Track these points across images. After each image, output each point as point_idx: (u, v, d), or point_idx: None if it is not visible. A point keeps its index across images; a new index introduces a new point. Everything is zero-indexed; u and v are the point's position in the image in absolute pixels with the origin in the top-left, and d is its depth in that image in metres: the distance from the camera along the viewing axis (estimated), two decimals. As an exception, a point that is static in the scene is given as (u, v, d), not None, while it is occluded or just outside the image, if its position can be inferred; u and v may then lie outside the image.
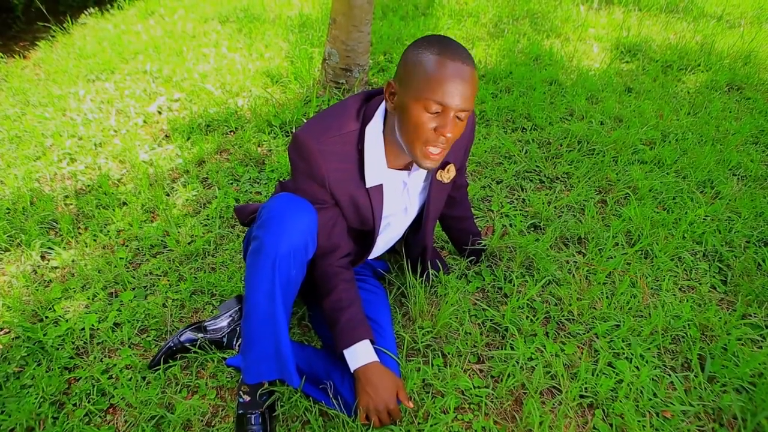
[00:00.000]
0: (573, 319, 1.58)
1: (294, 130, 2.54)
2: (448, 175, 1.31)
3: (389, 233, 1.41)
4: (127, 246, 1.86)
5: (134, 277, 1.71)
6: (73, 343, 1.49)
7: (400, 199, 1.30)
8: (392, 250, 1.66)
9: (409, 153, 1.11)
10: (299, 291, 1.28)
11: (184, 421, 1.28)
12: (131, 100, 2.88)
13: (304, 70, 3.03)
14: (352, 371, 1.20)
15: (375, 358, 1.20)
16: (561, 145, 2.50)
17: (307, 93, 2.85)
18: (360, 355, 1.20)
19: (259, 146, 2.46)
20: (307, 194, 1.17)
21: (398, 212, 1.33)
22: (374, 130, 1.16)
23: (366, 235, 1.35)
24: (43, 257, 1.81)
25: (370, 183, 1.19)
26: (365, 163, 1.17)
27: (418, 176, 1.29)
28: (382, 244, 1.44)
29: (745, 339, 1.55)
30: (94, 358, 1.44)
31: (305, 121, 2.59)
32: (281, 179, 1.73)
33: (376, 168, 1.18)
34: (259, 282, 1.11)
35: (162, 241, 1.87)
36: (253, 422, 1.22)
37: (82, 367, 1.42)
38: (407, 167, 1.25)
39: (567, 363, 1.44)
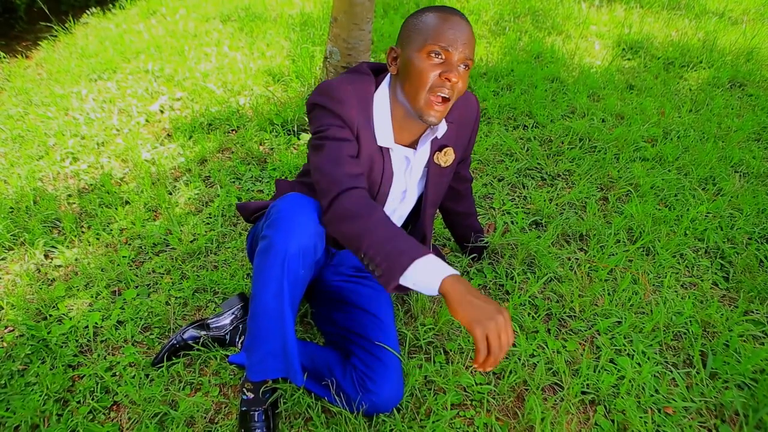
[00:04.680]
0: (574, 316, 1.59)
1: (296, 129, 2.56)
2: (445, 158, 1.30)
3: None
4: (129, 244, 1.87)
5: (137, 276, 1.72)
6: (76, 341, 1.50)
7: (401, 179, 1.30)
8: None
9: (412, 108, 1.12)
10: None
11: (188, 418, 1.29)
12: (133, 99, 2.89)
13: (306, 68, 3.03)
14: (436, 287, 0.97)
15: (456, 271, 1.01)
16: (562, 143, 2.50)
17: (308, 92, 2.86)
18: (439, 265, 0.99)
19: (260, 145, 2.47)
20: (333, 126, 1.13)
21: (397, 195, 1.33)
22: (382, 99, 1.18)
23: None
24: (46, 256, 1.82)
25: (380, 143, 1.20)
26: (375, 126, 1.18)
27: (422, 156, 1.29)
28: None
29: (747, 335, 1.55)
30: (98, 355, 1.45)
31: (307, 119, 2.59)
32: (280, 178, 1.74)
33: (385, 135, 1.19)
34: (268, 281, 1.11)
35: (164, 239, 1.88)
36: (256, 419, 1.22)
37: (86, 365, 1.43)
38: (412, 145, 1.25)
39: (569, 359, 1.45)
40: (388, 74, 1.20)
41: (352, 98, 1.13)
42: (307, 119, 2.54)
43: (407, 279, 0.99)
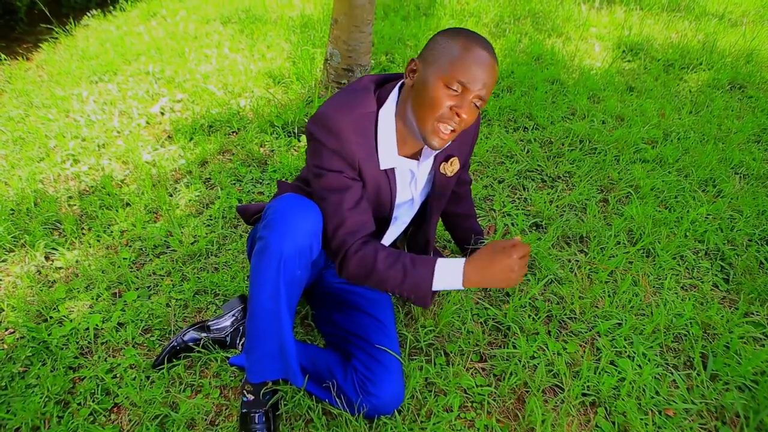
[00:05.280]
0: (575, 318, 1.59)
1: (296, 131, 2.56)
2: (451, 168, 1.31)
3: (396, 228, 1.41)
4: (130, 246, 1.87)
5: (138, 278, 1.72)
6: (77, 342, 1.50)
7: (407, 189, 1.30)
8: (394, 247, 1.66)
9: (418, 129, 1.12)
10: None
11: (188, 420, 1.29)
12: (134, 101, 2.89)
13: (306, 70, 3.03)
14: (462, 285, 1.12)
15: (462, 261, 1.13)
16: (563, 145, 2.50)
17: (309, 93, 2.86)
18: (451, 265, 1.12)
19: (261, 147, 2.47)
20: (332, 171, 1.14)
21: (405, 203, 1.33)
22: (387, 114, 1.17)
23: (378, 222, 1.34)
24: (47, 258, 1.82)
25: (384, 165, 1.19)
26: (378, 146, 1.17)
27: (426, 167, 1.29)
28: (387, 240, 1.44)
29: (748, 337, 1.55)
30: (99, 357, 1.45)
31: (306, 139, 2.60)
32: (281, 179, 1.74)
33: (389, 152, 1.19)
34: (264, 282, 1.11)
35: (165, 241, 1.88)
36: (256, 421, 1.23)
37: (87, 367, 1.43)
38: (416, 156, 1.25)
39: (569, 361, 1.45)
40: (395, 88, 1.18)
41: (350, 133, 1.12)
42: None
43: (437, 293, 1.11)
